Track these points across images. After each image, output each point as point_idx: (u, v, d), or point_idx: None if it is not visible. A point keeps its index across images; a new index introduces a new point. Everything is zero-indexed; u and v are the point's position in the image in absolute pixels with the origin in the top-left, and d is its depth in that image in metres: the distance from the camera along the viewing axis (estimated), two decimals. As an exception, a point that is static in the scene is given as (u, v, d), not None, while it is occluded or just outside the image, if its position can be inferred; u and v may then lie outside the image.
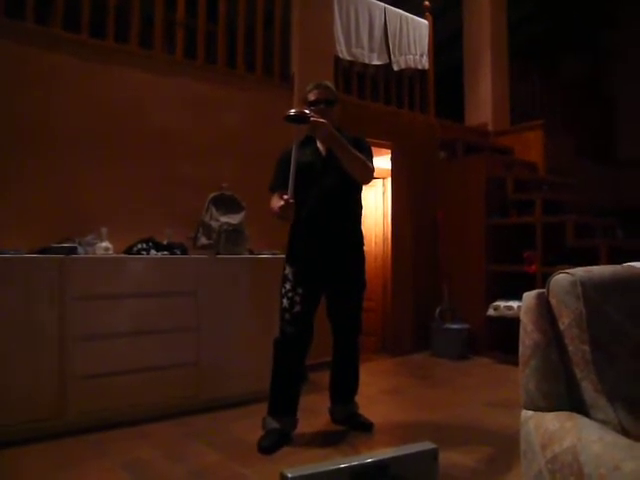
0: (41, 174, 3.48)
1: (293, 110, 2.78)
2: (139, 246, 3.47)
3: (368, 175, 2.95)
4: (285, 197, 2.70)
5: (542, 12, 8.04)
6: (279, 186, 2.92)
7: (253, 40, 4.61)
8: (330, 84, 3.10)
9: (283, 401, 2.93)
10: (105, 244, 3.37)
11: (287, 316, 2.90)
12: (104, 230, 3.41)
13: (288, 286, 2.91)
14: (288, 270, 2.94)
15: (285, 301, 2.91)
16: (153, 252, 3.47)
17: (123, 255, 3.41)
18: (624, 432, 1.21)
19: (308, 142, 3.00)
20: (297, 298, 2.88)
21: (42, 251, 3.12)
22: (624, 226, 5.47)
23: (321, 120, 2.73)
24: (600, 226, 5.24)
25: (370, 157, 2.98)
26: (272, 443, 2.80)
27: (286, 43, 4.80)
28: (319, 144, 2.99)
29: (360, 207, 3.12)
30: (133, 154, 3.85)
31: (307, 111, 2.79)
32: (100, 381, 3.11)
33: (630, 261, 1.51)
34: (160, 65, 4.03)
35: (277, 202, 2.79)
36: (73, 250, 3.16)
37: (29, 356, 2.92)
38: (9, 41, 3.42)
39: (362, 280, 3.10)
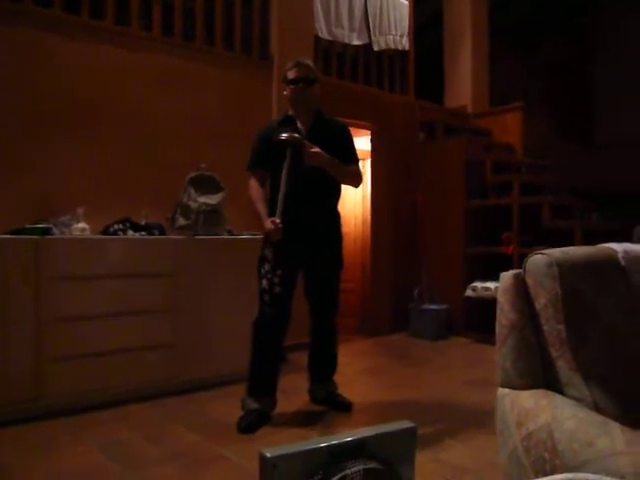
0: (16, 154, 3.42)
1: (284, 135, 2.80)
2: (116, 226, 3.43)
3: (359, 182, 3.18)
4: (276, 221, 2.75)
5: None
6: (258, 166, 2.94)
7: (232, 17, 4.54)
8: (310, 62, 3.07)
9: (262, 382, 2.94)
10: (81, 225, 3.33)
11: (267, 297, 2.89)
12: (80, 211, 3.37)
13: (267, 267, 2.90)
14: (267, 251, 2.93)
15: (264, 282, 2.90)
16: (130, 233, 3.44)
17: (100, 236, 3.37)
18: (597, 409, 1.23)
19: (288, 121, 2.98)
20: (276, 279, 2.87)
21: (16, 232, 3.06)
22: (600, 209, 5.55)
23: (314, 149, 2.78)
24: (576, 208, 5.31)
25: (354, 149, 3.10)
26: (251, 423, 2.81)
27: (265, 21, 4.74)
28: (299, 124, 2.97)
29: (339, 188, 3.12)
30: (109, 133, 3.79)
31: (297, 135, 2.81)
32: (77, 363, 3.09)
33: (605, 242, 1.53)
34: (137, 42, 3.96)
35: (263, 211, 2.88)
36: (48, 231, 3.12)
37: (4, 338, 2.88)
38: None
39: (340, 260, 3.11)
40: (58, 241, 3.11)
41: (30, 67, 3.49)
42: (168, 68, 4.07)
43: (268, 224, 2.79)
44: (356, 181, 3.12)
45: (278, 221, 2.75)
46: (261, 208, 2.90)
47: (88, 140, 3.69)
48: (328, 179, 3.00)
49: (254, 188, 2.95)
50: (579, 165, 6.85)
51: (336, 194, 3.11)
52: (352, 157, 3.04)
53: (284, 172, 2.78)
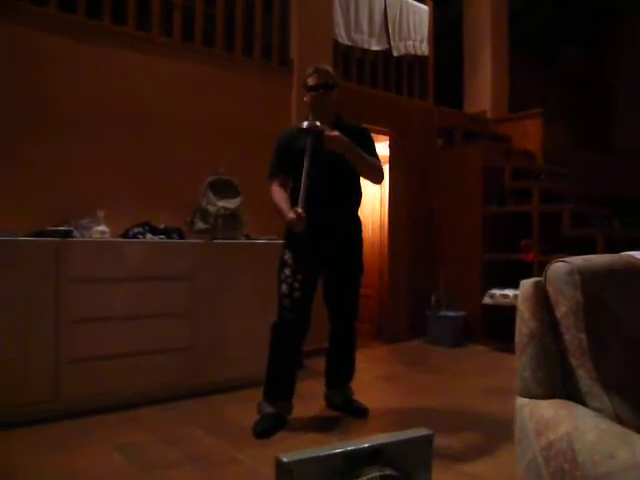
0: (37, 157, 3.46)
1: (305, 123, 2.79)
2: (135, 230, 3.46)
3: (381, 179, 3.07)
4: (298, 211, 2.71)
5: (543, 0, 7.98)
6: (279, 171, 2.95)
7: (252, 23, 4.57)
8: (329, 68, 3.08)
9: (279, 386, 2.94)
10: (101, 227, 3.36)
11: (286, 302, 2.89)
12: (101, 213, 3.40)
13: (287, 272, 2.90)
14: (288, 255, 2.93)
15: (284, 287, 2.90)
16: (149, 236, 3.46)
17: (119, 239, 3.40)
18: (619, 420, 1.21)
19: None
20: (297, 284, 2.87)
21: (38, 234, 3.11)
22: (621, 216, 5.47)
23: (334, 133, 2.74)
24: (597, 216, 5.25)
25: (375, 151, 3.03)
26: (267, 428, 2.81)
27: (285, 27, 4.76)
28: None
29: (359, 193, 3.11)
30: (130, 137, 3.82)
31: (318, 124, 2.79)
32: (95, 364, 3.12)
33: (627, 250, 1.51)
34: (157, 48, 4.00)
35: (285, 207, 2.82)
36: (69, 234, 3.15)
37: (24, 339, 2.91)
38: (3, 22, 3.38)
39: (360, 265, 3.10)
40: (78, 244, 3.14)
41: (52, 71, 3.54)
42: (188, 73, 4.10)
43: (291, 215, 2.75)
44: (377, 174, 3.02)
45: (300, 211, 2.71)
46: (284, 205, 2.86)
47: (109, 143, 3.73)
48: (349, 184, 3.00)
49: (277, 191, 2.93)
50: (598, 173, 6.77)
51: (357, 199, 3.10)
52: (373, 154, 2.99)
53: (306, 162, 2.75)
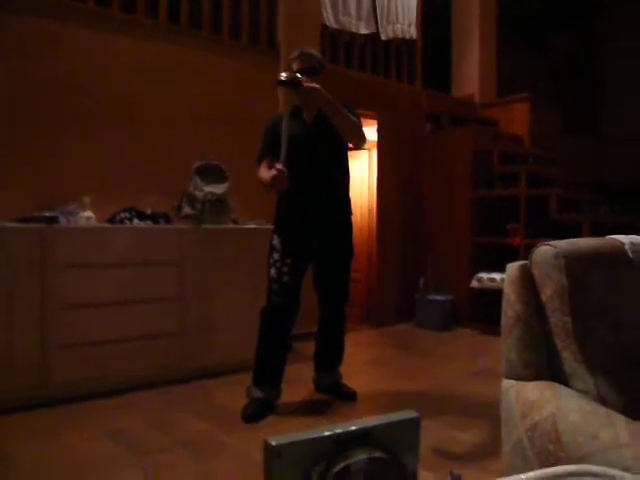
0: (22, 142, 3.42)
1: (284, 74, 2.72)
2: (122, 215, 3.44)
3: (362, 139, 2.93)
4: (278, 167, 2.67)
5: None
6: (267, 154, 2.91)
7: (239, 6, 4.52)
8: (314, 51, 3.05)
9: (268, 370, 2.95)
10: (87, 213, 3.33)
11: (275, 286, 2.90)
12: (87, 199, 3.37)
13: (276, 256, 2.90)
14: (276, 240, 2.93)
15: (273, 271, 2.90)
16: (136, 221, 3.45)
17: (105, 224, 3.38)
18: (602, 402, 1.23)
19: (294, 113, 2.96)
20: (285, 268, 2.87)
21: (23, 220, 3.07)
22: (609, 202, 5.51)
23: (313, 85, 2.69)
24: (585, 201, 5.28)
25: (358, 118, 2.96)
26: (256, 412, 2.83)
27: (272, 10, 4.72)
28: (305, 115, 2.96)
29: (348, 177, 3.10)
30: (115, 122, 3.78)
31: (299, 75, 2.73)
32: (83, 350, 3.11)
33: (612, 235, 1.52)
34: (143, 30, 3.95)
35: (267, 172, 2.76)
36: (55, 219, 3.13)
37: (11, 325, 2.90)
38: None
39: (350, 250, 3.10)
40: (64, 230, 3.12)
41: (37, 55, 3.49)
42: (174, 56, 4.06)
43: (272, 171, 2.69)
44: (357, 131, 2.86)
45: (281, 166, 2.67)
46: (266, 173, 2.80)
47: (94, 128, 3.69)
48: (339, 165, 2.99)
49: (262, 169, 2.88)
50: (587, 159, 6.81)
51: (346, 181, 3.09)
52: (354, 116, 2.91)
53: (284, 117, 2.71)
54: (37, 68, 3.49)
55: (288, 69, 2.99)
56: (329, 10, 5.13)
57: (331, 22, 5.15)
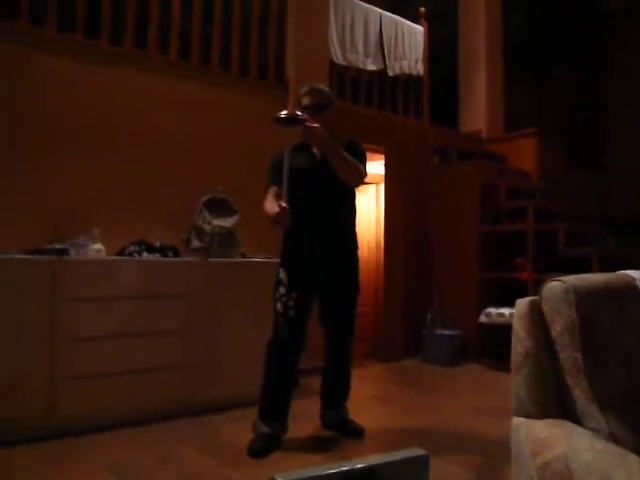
0: (32, 174, 3.46)
1: (284, 112, 2.72)
2: (131, 248, 3.45)
3: (358, 179, 2.92)
4: (281, 204, 2.68)
5: (537, 20, 8.08)
6: (272, 184, 2.92)
7: (248, 42, 4.61)
8: (324, 87, 3.10)
9: (274, 405, 2.92)
10: (97, 246, 3.35)
11: (281, 320, 2.88)
12: (96, 232, 3.39)
13: (282, 290, 2.90)
14: (282, 274, 2.93)
15: (279, 305, 2.89)
16: (145, 254, 3.46)
17: (115, 257, 3.40)
18: (614, 440, 1.20)
19: (303, 147, 2.99)
20: (291, 302, 2.87)
21: (34, 252, 3.09)
22: (616, 235, 5.49)
23: (313, 125, 2.71)
24: (592, 234, 5.26)
25: (363, 161, 2.98)
26: (262, 447, 2.79)
27: (281, 46, 4.80)
28: (315, 149, 2.98)
29: (355, 212, 3.12)
30: (126, 155, 3.83)
31: (299, 113, 2.75)
32: (89, 383, 3.09)
33: (622, 269, 1.51)
34: (154, 66, 4.03)
35: (272, 206, 2.76)
36: (65, 252, 3.14)
37: (19, 357, 2.89)
38: (3, 42, 3.41)
39: (356, 285, 3.09)
40: (74, 262, 3.13)
41: (49, 89, 3.56)
42: (185, 91, 4.13)
43: (275, 209, 2.69)
44: (354, 171, 2.85)
45: (284, 205, 2.66)
46: (270, 206, 2.79)
47: (104, 161, 3.74)
48: (344, 199, 3.00)
49: (267, 199, 2.88)
50: (593, 192, 6.81)
51: (352, 216, 3.10)
52: (357, 157, 2.90)
53: (285, 154, 2.72)
54: (50, 101, 3.55)
55: (298, 105, 3.02)
56: (337, 47, 5.22)
57: (339, 59, 5.24)
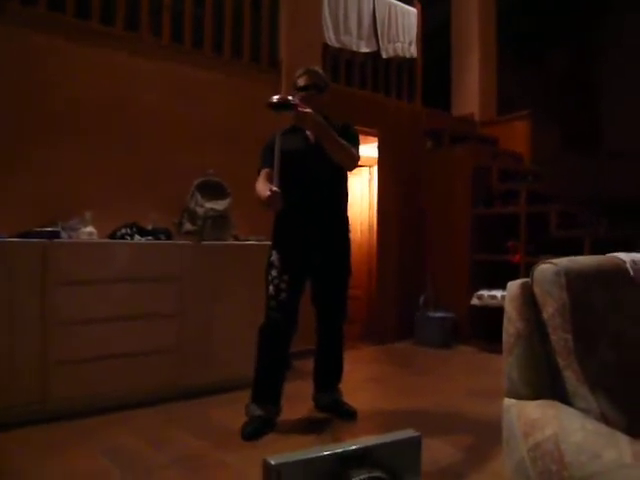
0: (24, 157, 3.43)
1: (276, 97, 2.69)
2: (123, 231, 3.44)
3: (352, 163, 2.92)
4: (272, 188, 2.67)
5: (531, 2, 8.04)
6: (263, 167, 2.92)
7: (241, 25, 4.56)
8: (319, 69, 3.08)
9: (267, 388, 2.93)
10: (89, 229, 3.34)
11: (273, 303, 2.89)
12: (88, 214, 3.38)
13: (274, 273, 2.90)
14: (274, 257, 2.93)
15: (271, 288, 2.90)
16: (137, 237, 3.44)
17: (107, 240, 3.38)
18: (605, 420, 1.22)
19: (296, 129, 2.97)
20: (283, 285, 2.87)
21: (24, 235, 3.07)
22: (609, 217, 5.51)
23: (306, 110, 2.69)
24: (584, 217, 5.28)
25: (357, 144, 2.97)
26: (255, 430, 2.80)
27: (274, 29, 4.76)
28: (307, 131, 2.97)
29: (347, 195, 3.11)
30: (118, 138, 3.80)
31: (291, 97, 2.73)
32: (82, 366, 3.09)
33: (613, 252, 1.52)
34: (146, 49, 3.98)
35: (264, 189, 2.75)
36: (56, 234, 3.13)
37: (11, 341, 2.89)
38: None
39: (348, 267, 3.10)
40: (66, 245, 3.11)
41: (40, 71, 3.51)
42: (177, 74, 4.09)
43: (266, 192, 2.68)
44: (348, 156, 2.86)
45: (275, 188, 2.66)
46: (262, 187, 2.79)
47: (96, 144, 3.71)
48: (337, 182, 3.00)
49: (259, 181, 2.88)
50: (586, 174, 6.82)
51: (344, 198, 3.10)
52: (350, 141, 2.89)
53: (277, 138, 2.72)
54: (41, 84, 3.51)
55: (293, 86, 3.00)
56: (330, 29, 5.18)
57: (332, 41, 5.20)
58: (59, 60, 3.59)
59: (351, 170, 3.02)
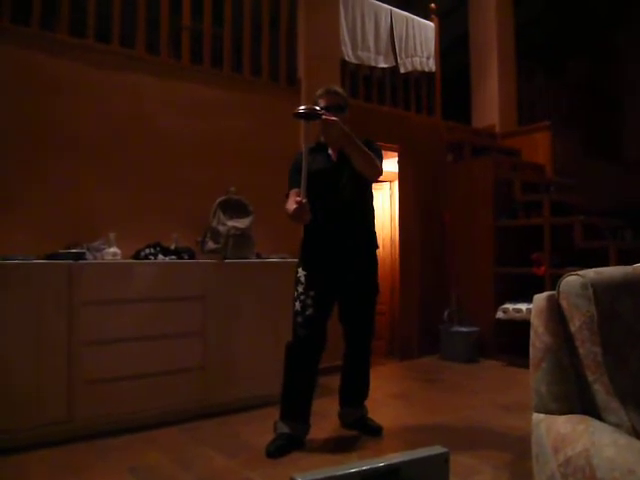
0: (48, 179, 3.49)
1: (303, 107, 2.73)
2: (147, 251, 3.47)
3: (376, 173, 2.91)
4: (298, 199, 2.67)
5: (549, 12, 8.02)
6: (293, 186, 2.91)
7: (259, 44, 4.62)
8: (339, 89, 3.08)
9: (295, 406, 2.91)
10: (113, 249, 3.38)
11: (300, 319, 2.88)
12: (112, 235, 3.42)
13: (300, 289, 2.90)
14: (301, 273, 2.93)
15: (297, 304, 2.89)
16: (161, 257, 3.48)
17: (131, 260, 3.42)
18: (636, 435, 1.19)
19: (319, 149, 2.99)
20: (309, 301, 2.86)
21: (51, 257, 3.12)
22: (633, 227, 5.43)
23: (332, 118, 2.70)
24: (608, 227, 5.21)
25: (380, 158, 2.97)
26: (280, 447, 2.78)
27: (292, 47, 4.81)
28: (330, 150, 2.98)
29: (373, 211, 3.10)
30: (140, 159, 3.86)
31: (317, 107, 2.76)
32: (108, 386, 3.12)
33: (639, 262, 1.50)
34: (166, 70, 4.05)
35: (291, 204, 2.77)
36: (81, 256, 3.17)
37: (37, 361, 2.92)
38: (15, 47, 3.44)
39: (376, 285, 3.08)
40: (91, 266, 3.15)
41: (63, 93, 3.59)
42: (197, 94, 4.14)
43: (293, 205, 2.69)
44: (374, 167, 2.84)
45: (299, 199, 2.66)
46: (290, 204, 2.80)
47: (119, 165, 3.76)
48: (364, 199, 3.00)
49: (288, 202, 2.87)
50: (609, 184, 6.74)
51: (370, 215, 3.08)
52: (373, 153, 2.87)
53: (304, 151, 2.72)
54: (65, 105, 3.58)
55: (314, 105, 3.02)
56: (348, 45, 5.22)
57: (350, 57, 5.23)
58: (82, 83, 3.66)
59: (374, 181, 3.02)
